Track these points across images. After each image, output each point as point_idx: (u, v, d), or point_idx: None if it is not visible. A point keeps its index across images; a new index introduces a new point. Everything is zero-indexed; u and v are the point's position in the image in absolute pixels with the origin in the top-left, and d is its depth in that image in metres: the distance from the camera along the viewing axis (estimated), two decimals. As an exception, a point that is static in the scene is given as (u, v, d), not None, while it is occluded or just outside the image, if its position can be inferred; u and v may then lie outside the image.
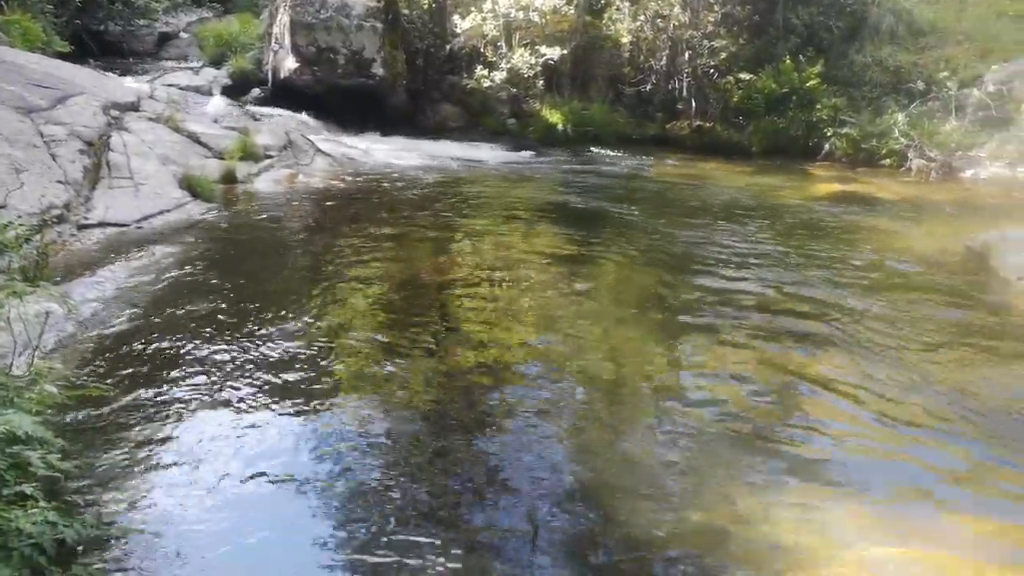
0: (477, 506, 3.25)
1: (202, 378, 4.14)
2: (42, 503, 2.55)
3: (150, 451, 3.44)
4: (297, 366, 4.35)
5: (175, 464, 3.36)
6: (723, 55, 13.90)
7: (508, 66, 13.68)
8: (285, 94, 12.68)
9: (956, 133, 11.99)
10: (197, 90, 12.78)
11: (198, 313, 4.99)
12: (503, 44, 14.04)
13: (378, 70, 12.71)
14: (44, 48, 10.98)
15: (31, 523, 2.40)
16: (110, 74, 11.79)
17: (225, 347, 4.50)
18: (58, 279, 5.04)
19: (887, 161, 12.22)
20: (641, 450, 3.71)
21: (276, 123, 11.28)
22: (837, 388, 4.44)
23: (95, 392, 3.44)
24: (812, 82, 13.09)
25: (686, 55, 13.91)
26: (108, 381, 3.91)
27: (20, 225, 4.52)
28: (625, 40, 14.34)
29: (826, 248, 7.42)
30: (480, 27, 14.02)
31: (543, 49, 13.66)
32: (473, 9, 14.17)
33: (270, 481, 3.29)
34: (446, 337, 4.95)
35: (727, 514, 3.21)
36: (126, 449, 3.42)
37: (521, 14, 13.91)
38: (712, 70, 13.97)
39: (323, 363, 4.43)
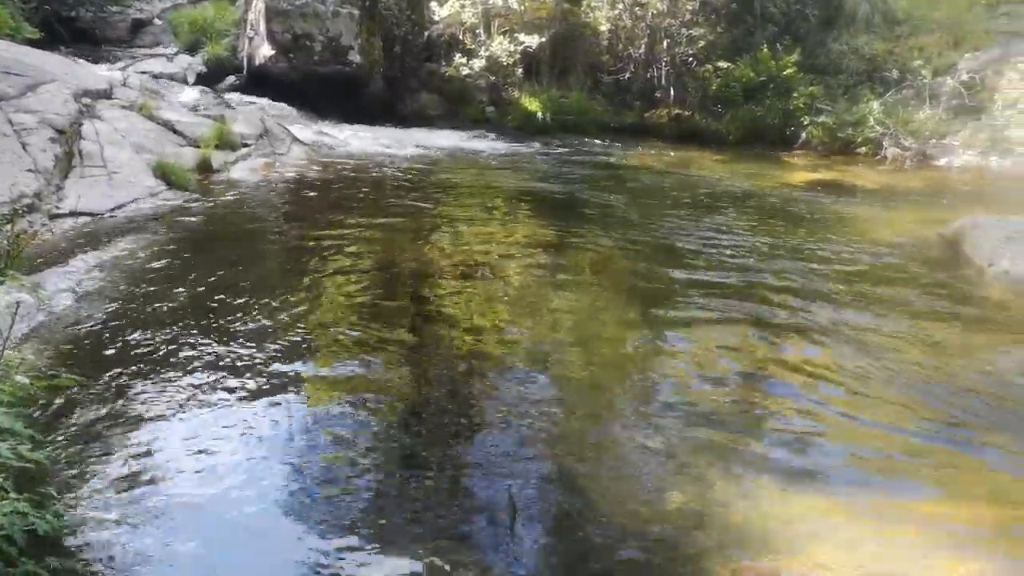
0: (456, 493, 3.26)
1: (176, 369, 4.09)
2: (13, 494, 2.51)
3: (125, 442, 3.40)
4: (273, 355, 4.32)
5: (150, 454, 3.33)
6: (701, 43, 13.92)
7: (487, 54, 13.60)
8: (261, 82, 12.51)
9: (930, 121, 12.14)
10: (171, 78, 12.61)
11: (171, 302, 4.94)
12: (482, 31, 13.97)
13: (355, 57, 12.58)
14: (12, 35, 10.70)
15: (1, 514, 2.37)
16: (82, 61, 11.54)
17: (200, 338, 4.46)
18: (29, 269, 4.96)
19: (863, 149, 12.34)
20: (620, 436, 3.74)
21: (252, 111, 11.13)
22: (812, 373, 4.50)
23: (67, 382, 3.39)
24: (789, 70, 13.18)
25: (664, 43, 13.92)
26: (80, 371, 3.85)
27: (-11, 214, 4.45)
28: (604, 28, 14.32)
29: (801, 236, 7.49)
30: (458, 14, 13.93)
31: (522, 37, 13.58)
32: (451, -4, 14.08)
33: (245, 473, 3.27)
34: (424, 327, 4.95)
35: (705, 498, 3.25)
36: (100, 440, 3.38)
37: (500, 1, 13.83)
38: (690, 58, 13.99)
39: (299, 352, 4.41)
